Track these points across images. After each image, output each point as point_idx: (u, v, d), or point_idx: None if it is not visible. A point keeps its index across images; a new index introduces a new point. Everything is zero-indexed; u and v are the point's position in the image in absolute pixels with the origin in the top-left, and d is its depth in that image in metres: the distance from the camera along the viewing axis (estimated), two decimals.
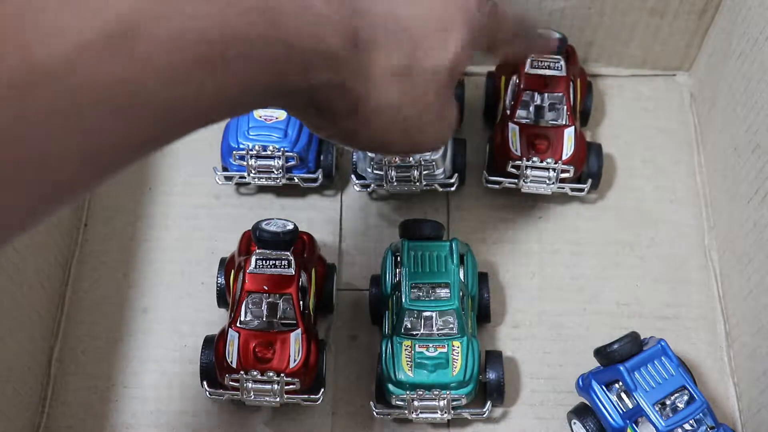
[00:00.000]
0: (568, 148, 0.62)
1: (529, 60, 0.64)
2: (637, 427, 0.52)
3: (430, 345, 0.56)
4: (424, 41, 0.42)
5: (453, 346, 0.56)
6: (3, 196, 0.28)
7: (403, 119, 0.43)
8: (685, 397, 0.53)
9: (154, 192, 0.68)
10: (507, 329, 0.62)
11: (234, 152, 0.63)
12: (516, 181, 0.62)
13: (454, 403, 0.56)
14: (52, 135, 0.29)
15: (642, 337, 0.55)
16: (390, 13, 0.41)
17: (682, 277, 0.64)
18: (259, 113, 0.64)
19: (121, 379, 0.61)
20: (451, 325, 0.57)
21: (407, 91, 0.42)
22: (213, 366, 0.56)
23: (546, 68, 0.64)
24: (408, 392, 0.56)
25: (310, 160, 0.64)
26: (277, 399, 0.55)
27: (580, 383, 0.56)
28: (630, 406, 0.53)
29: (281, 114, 0.64)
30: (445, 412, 0.56)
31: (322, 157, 0.64)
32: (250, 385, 0.54)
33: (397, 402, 0.56)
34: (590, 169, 0.64)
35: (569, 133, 0.63)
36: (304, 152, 0.63)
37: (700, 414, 0.52)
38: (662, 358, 0.54)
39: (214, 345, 0.56)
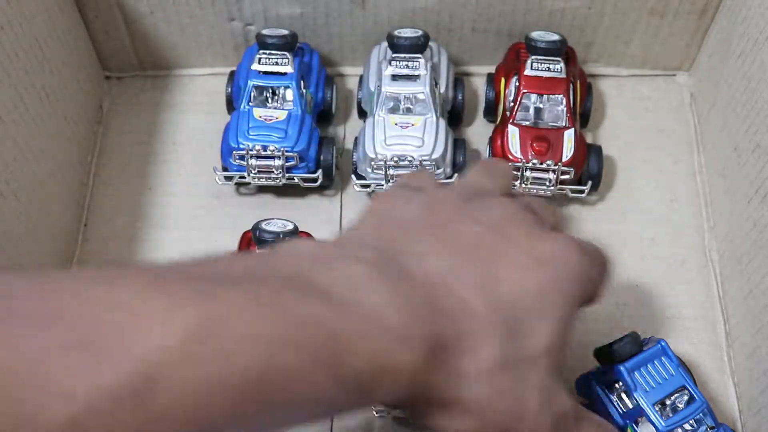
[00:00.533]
0: (568, 150, 0.63)
1: (529, 62, 0.64)
2: (637, 427, 0.52)
3: None
4: (525, 323, 0.36)
5: None
6: None
7: (493, 414, 0.36)
8: (685, 397, 0.53)
9: (154, 192, 0.67)
10: None
11: (234, 152, 0.63)
12: (516, 183, 0.62)
13: None
14: None
15: (642, 337, 0.55)
16: (489, 298, 0.36)
17: (682, 277, 0.64)
18: (259, 113, 0.64)
19: None
20: None
21: (502, 385, 0.36)
22: None
23: (546, 70, 0.64)
24: None
25: (310, 160, 0.64)
26: None
27: (580, 383, 0.56)
28: (630, 406, 0.53)
29: (281, 114, 0.64)
30: None
31: (322, 157, 0.64)
32: None
33: None
34: (590, 170, 0.64)
35: (569, 135, 0.63)
36: (304, 152, 0.63)
37: (700, 414, 0.52)
38: (662, 358, 0.53)
39: None
